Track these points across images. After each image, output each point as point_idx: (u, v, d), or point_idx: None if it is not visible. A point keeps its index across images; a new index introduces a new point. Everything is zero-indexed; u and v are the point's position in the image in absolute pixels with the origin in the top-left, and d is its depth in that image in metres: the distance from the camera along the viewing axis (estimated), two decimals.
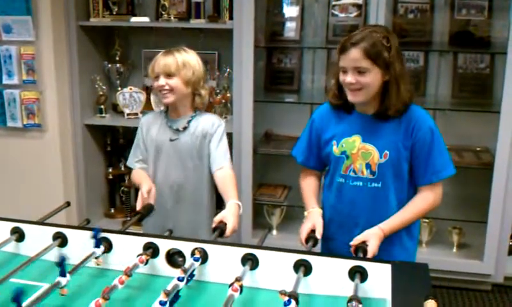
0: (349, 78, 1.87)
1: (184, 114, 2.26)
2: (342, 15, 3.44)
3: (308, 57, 3.59)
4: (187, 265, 1.57)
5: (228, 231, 1.91)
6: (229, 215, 1.96)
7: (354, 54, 1.85)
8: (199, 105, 2.28)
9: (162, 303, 1.35)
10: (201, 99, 2.27)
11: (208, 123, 2.24)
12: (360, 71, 1.85)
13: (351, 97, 1.91)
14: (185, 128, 2.24)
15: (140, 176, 2.25)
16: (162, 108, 2.38)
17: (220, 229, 1.89)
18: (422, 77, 3.42)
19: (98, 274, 1.69)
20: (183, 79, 2.18)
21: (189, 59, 2.21)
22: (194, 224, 2.25)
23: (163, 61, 2.19)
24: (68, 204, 2.18)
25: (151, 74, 2.25)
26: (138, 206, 2.08)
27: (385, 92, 1.90)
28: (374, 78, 1.86)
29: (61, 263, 1.46)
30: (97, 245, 1.68)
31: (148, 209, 2.06)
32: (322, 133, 2.06)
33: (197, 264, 1.62)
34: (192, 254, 1.65)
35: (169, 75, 2.17)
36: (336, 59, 1.96)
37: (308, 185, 2.13)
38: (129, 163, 2.36)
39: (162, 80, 2.18)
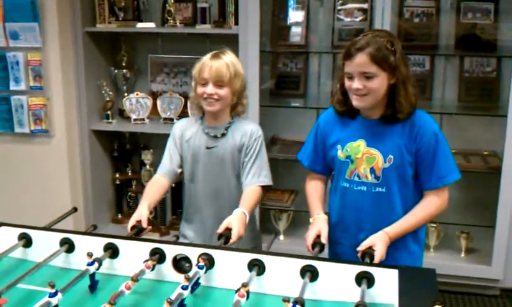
0: (355, 84, 1.86)
1: (223, 121, 2.18)
2: (348, 19, 3.43)
3: (314, 62, 3.59)
4: (191, 273, 1.54)
5: (233, 238, 1.87)
6: (234, 222, 1.92)
7: (360, 59, 1.84)
8: (240, 113, 2.22)
9: None
10: (243, 107, 2.21)
11: (247, 132, 2.16)
12: (366, 76, 1.85)
13: (356, 102, 1.91)
14: (223, 135, 2.16)
15: (147, 194, 2.14)
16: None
17: (225, 236, 1.86)
18: (428, 81, 3.41)
19: (105, 280, 1.68)
20: (232, 90, 2.11)
21: (239, 69, 2.14)
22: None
23: (215, 67, 2.08)
24: (75, 209, 2.19)
25: (197, 78, 2.14)
26: (130, 224, 1.98)
27: (391, 95, 1.90)
28: (380, 82, 1.85)
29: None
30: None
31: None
32: (327, 137, 2.06)
33: (202, 272, 1.60)
34: (197, 261, 1.64)
35: (219, 85, 2.09)
36: (340, 64, 1.95)
37: (314, 190, 2.13)
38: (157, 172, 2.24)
39: (211, 88, 2.08)
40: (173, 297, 1.40)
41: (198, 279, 1.59)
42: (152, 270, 1.65)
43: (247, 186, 2.13)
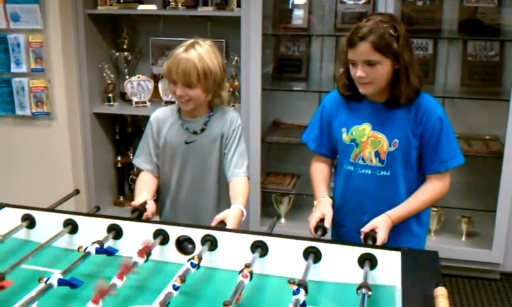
0: (359, 72, 1.85)
1: (201, 114, 2.10)
2: (351, 2, 3.41)
3: (317, 45, 3.57)
4: (181, 272, 1.45)
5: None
6: (230, 216, 1.86)
7: (363, 48, 1.82)
8: (217, 104, 2.13)
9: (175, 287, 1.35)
10: (221, 100, 2.11)
11: (226, 122, 2.09)
12: (370, 64, 1.83)
13: (361, 89, 1.90)
14: (202, 130, 2.10)
15: (141, 186, 2.11)
16: (172, 101, 2.18)
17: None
18: (431, 65, 3.40)
19: (110, 259, 1.67)
20: (204, 88, 2.01)
21: (209, 65, 1.99)
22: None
23: (182, 69, 1.97)
24: (77, 191, 2.19)
25: (166, 76, 2.05)
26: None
27: (396, 80, 1.88)
28: (384, 69, 1.84)
29: None
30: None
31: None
32: (332, 119, 2.05)
33: (193, 270, 1.50)
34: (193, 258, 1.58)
35: (189, 86, 1.99)
36: (343, 49, 1.93)
37: (319, 173, 2.12)
38: (136, 162, 2.18)
39: (180, 90, 2.00)
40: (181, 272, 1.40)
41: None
42: (149, 255, 1.58)
43: (232, 177, 2.07)
